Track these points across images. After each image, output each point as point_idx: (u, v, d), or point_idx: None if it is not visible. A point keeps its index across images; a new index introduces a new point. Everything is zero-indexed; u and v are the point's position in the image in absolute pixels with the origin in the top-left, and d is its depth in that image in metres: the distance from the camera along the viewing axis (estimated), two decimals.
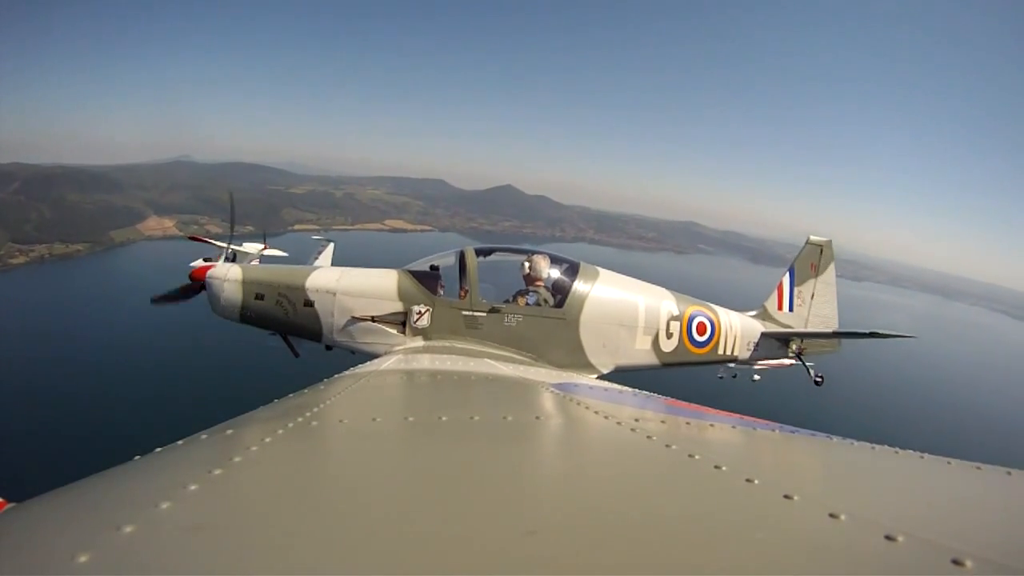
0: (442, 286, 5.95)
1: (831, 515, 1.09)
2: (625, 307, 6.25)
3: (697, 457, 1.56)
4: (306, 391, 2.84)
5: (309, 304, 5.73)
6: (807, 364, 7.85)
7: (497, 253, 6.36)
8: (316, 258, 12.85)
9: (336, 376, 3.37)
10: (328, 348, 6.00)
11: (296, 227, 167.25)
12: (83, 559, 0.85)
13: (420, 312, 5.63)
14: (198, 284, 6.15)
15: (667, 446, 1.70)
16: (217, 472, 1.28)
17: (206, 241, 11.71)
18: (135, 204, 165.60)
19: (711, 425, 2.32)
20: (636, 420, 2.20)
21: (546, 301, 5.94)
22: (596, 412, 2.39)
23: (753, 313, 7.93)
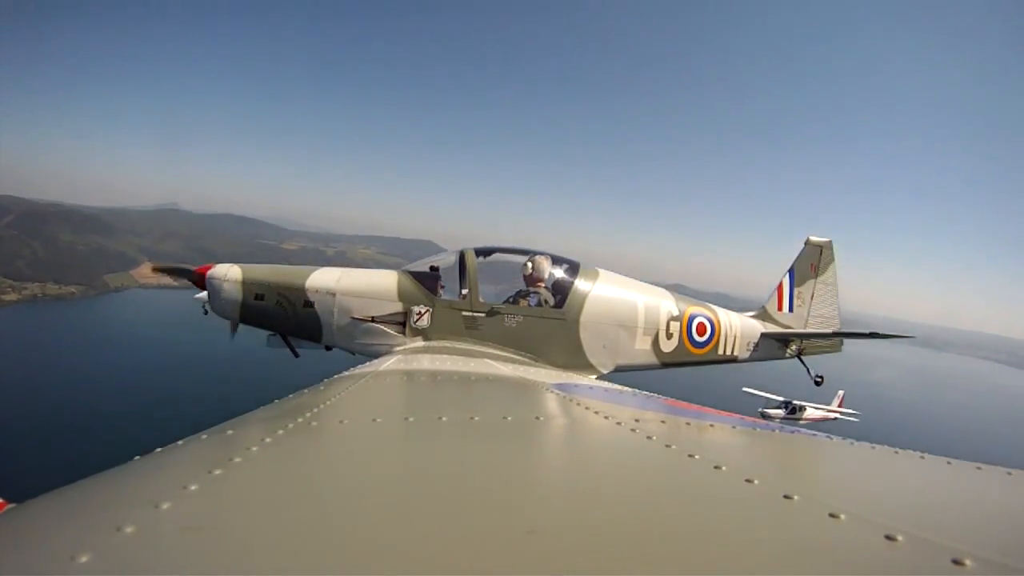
0: (442, 287, 5.94)
1: (831, 515, 1.09)
2: (625, 307, 6.25)
3: (697, 457, 1.56)
4: (306, 391, 2.83)
5: (309, 305, 5.72)
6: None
7: (497, 254, 6.36)
8: None
9: (336, 376, 3.36)
10: (328, 348, 5.99)
11: None
12: (83, 559, 0.85)
13: (420, 313, 5.63)
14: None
15: (667, 446, 1.70)
16: (217, 472, 1.27)
17: None
18: (128, 249, 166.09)
19: (711, 425, 2.32)
20: (636, 420, 2.20)
21: (547, 302, 5.93)
22: (596, 412, 2.39)
23: (752, 313, 7.93)
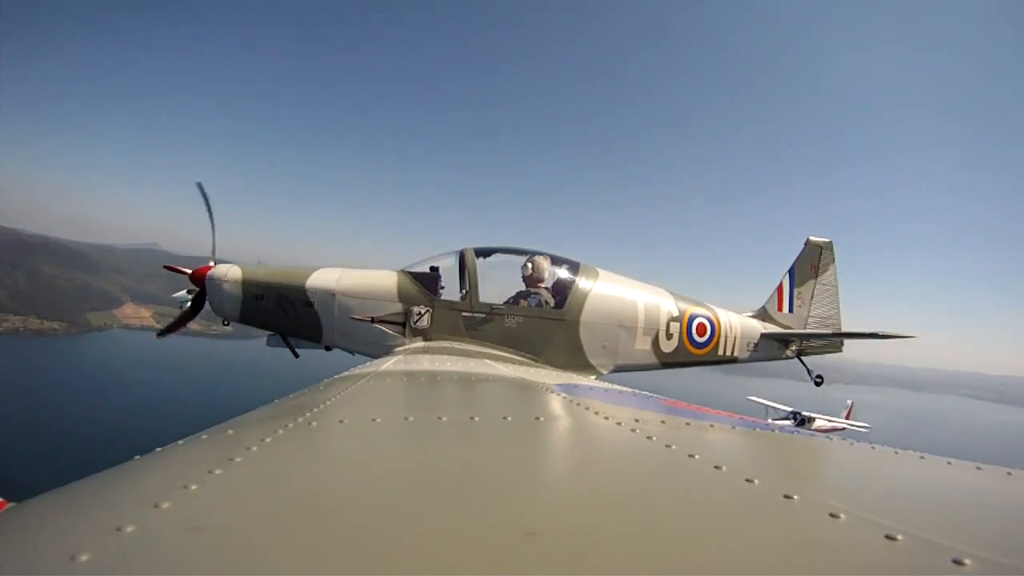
0: (442, 287, 5.95)
1: (831, 515, 1.09)
2: (625, 308, 6.25)
3: (697, 457, 1.56)
4: (306, 391, 2.83)
5: (309, 305, 5.73)
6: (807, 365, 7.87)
7: (497, 254, 6.36)
8: None
9: (336, 376, 3.36)
10: (328, 348, 5.99)
11: None
12: (83, 559, 0.84)
13: (420, 313, 5.63)
14: (199, 300, 6.16)
15: (667, 446, 1.69)
16: (217, 472, 1.27)
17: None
18: (112, 288, 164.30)
19: (711, 425, 2.32)
20: (636, 420, 2.19)
21: (547, 302, 5.93)
22: (596, 413, 2.39)
23: (752, 313, 7.93)
